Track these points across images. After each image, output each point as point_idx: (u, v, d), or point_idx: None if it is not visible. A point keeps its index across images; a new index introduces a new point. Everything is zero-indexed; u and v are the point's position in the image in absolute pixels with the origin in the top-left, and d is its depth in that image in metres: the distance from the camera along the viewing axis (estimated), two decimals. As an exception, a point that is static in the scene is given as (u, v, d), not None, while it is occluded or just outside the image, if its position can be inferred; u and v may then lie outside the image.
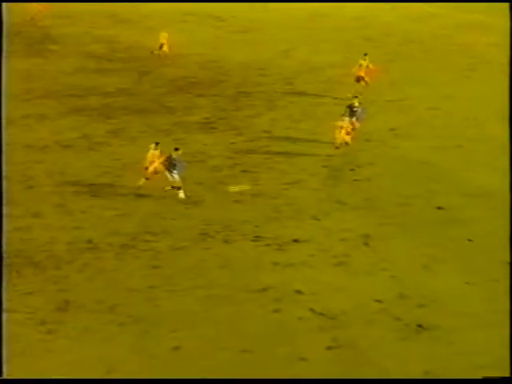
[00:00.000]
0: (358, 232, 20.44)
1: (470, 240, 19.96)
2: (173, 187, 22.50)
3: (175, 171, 22.38)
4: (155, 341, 16.08)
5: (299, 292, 17.77)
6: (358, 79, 31.12)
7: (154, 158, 22.78)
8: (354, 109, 26.26)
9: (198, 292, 17.84)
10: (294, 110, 30.32)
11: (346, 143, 25.63)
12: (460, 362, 15.34)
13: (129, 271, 18.72)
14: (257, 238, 20.28)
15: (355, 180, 23.75)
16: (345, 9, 45.11)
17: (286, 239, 20.17)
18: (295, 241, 20.11)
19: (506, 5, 43.73)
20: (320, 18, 44.10)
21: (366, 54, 31.58)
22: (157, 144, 23.05)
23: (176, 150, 22.63)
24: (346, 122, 25.61)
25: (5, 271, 15.12)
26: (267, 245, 19.99)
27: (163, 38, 36.38)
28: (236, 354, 15.67)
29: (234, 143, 26.84)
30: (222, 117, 29.57)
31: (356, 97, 26.89)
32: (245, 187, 22.92)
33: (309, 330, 16.43)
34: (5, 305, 14.69)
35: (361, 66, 31.26)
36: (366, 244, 19.93)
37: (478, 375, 14.52)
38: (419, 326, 16.43)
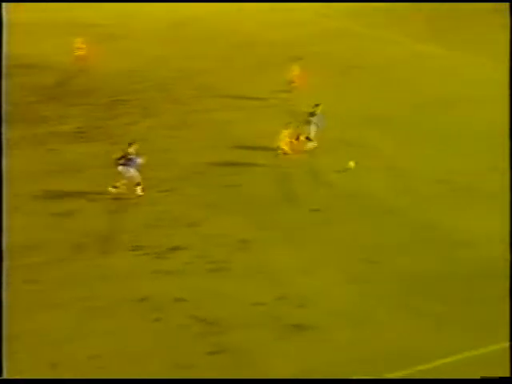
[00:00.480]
0: (236, 237, 20.69)
1: (340, 240, 20.58)
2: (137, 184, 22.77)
3: (132, 167, 22.52)
4: (32, 358, 15.69)
5: (179, 299, 17.81)
6: (291, 84, 31.70)
7: None
8: (314, 116, 26.08)
9: (77, 305, 17.56)
10: (169, 117, 30.31)
11: (285, 152, 25.62)
12: (334, 358, 15.80)
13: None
14: (135, 248, 20.17)
15: (227, 186, 23.94)
16: (213, 16, 45.48)
17: (165, 247, 20.18)
18: (174, 248, 20.14)
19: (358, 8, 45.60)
20: (188, 25, 44.23)
21: (298, 59, 31.70)
22: (130, 145, 22.98)
23: (129, 144, 22.83)
24: (290, 131, 25.64)
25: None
26: (146, 254, 19.92)
27: (79, 43, 35.49)
28: (117, 366, 15.52)
29: (109, 152, 26.50)
30: (97, 126, 29.18)
31: (317, 105, 26.33)
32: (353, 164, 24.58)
33: (190, 337, 16.51)
34: None
35: (293, 71, 31.82)
36: (244, 249, 20.22)
37: (350, 370, 15.13)
38: (297, 326, 16.84)
